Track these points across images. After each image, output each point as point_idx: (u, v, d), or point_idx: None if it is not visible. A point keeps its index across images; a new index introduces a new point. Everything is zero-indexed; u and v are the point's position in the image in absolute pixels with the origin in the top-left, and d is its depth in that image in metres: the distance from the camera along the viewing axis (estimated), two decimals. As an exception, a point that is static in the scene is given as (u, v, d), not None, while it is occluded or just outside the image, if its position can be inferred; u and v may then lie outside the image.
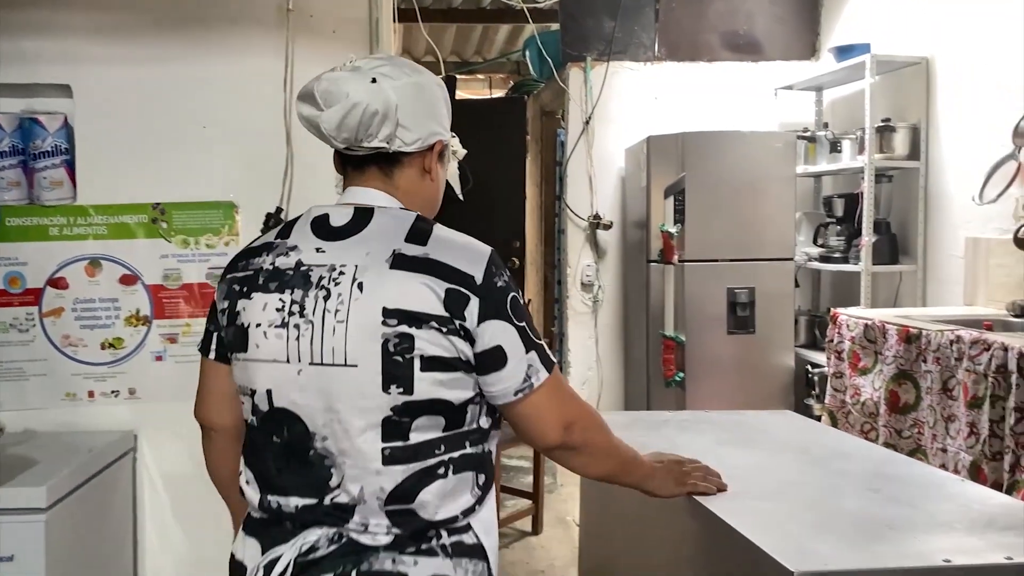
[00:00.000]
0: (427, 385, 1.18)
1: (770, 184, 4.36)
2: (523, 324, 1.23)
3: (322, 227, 1.28)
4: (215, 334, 1.34)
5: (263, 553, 1.23)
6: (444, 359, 1.18)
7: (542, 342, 1.25)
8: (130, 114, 2.38)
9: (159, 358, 2.49)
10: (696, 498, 1.47)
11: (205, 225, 2.45)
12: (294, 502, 1.22)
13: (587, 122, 5.05)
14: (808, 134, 4.72)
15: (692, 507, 1.47)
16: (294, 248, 1.27)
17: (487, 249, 1.27)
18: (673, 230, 4.31)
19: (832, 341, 3.59)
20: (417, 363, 1.17)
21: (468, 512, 1.24)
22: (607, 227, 5.03)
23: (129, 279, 2.48)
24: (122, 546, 2.47)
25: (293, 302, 1.23)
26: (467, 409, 1.22)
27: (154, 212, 2.45)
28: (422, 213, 1.31)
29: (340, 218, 1.27)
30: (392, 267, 1.20)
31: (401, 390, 1.17)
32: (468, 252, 1.24)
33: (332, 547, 1.19)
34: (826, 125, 4.85)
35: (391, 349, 1.17)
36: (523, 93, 6.08)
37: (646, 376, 4.50)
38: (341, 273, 1.21)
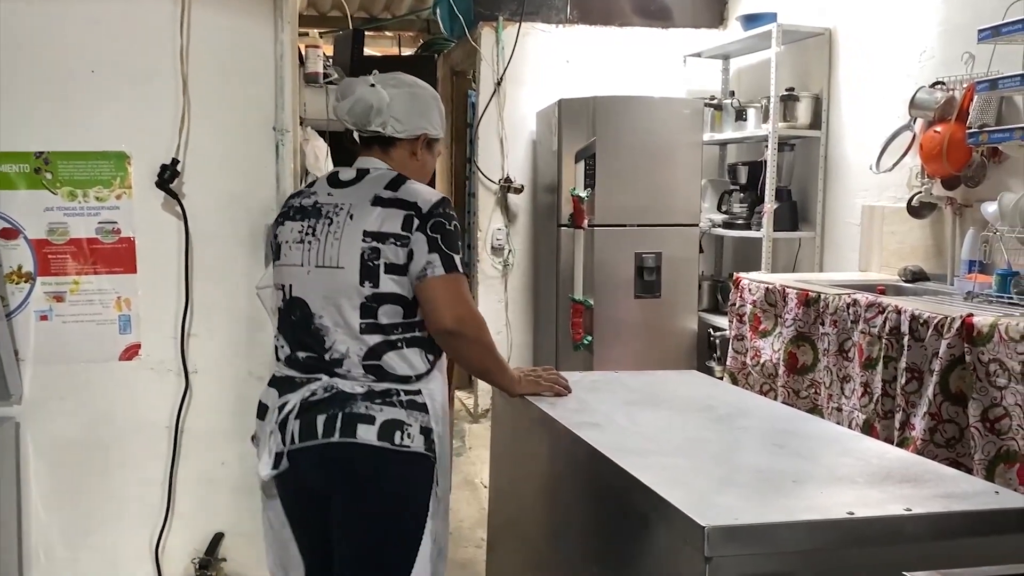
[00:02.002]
0: (388, 282, 1.75)
1: (678, 151, 4.41)
2: (435, 236, 1.74)
3: (334, 180, 1.89)
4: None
5: (279, 398, 1.80)
6: (398, 265, 1.75)
7: (450, 253, 1.75)
8: (10, 55, 2.19)
9: (44, 317, 2.33)
10: (606, 454, 1.47)
11: (94, 177, 2.29)
12: (304, 355, 1.80)
13: (498, 83, 4.99)
14: (715, 102, 4.79)
15: (603, 465, 1.47)
16: (313, 194, 1.89)
17: (439, 194, 1.82)
18: (583, 195, 4.31)
19: (734, 305, 3.67)
20: (382, 267, 1.74)
21: (420, 376, 1.79)
22: (518, 191, 5.01)
23: (9, 233, 2.30)
24: (6, 517, 2.32)
25: (308, 227, 1.83)
26: (418, 303, 1.77)
27: (37, 161, 2.27)
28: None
29: (347, 175, 1.88)
30: (372, 204, 1.78)
31: (371, 284, 1.75)
32: (424, 195, 1.80)
33: (326, 395, 1.75)
34: (732, 93, 4.93)
35: (366, 257, 1.74)
36: (433, 52, 5.96)
37: (555, 339, 4.53)
38: (340, 208, 1.81)
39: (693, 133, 4.46)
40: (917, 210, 3.53)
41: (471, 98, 6.04)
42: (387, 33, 6.96)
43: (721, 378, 4.49)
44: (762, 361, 3.46)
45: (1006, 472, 2.31)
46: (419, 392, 1.78)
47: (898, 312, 2.74)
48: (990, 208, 2.95)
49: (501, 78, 4.98)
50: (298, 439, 1.75)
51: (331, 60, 3.94)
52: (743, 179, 4.59)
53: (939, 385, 2.52)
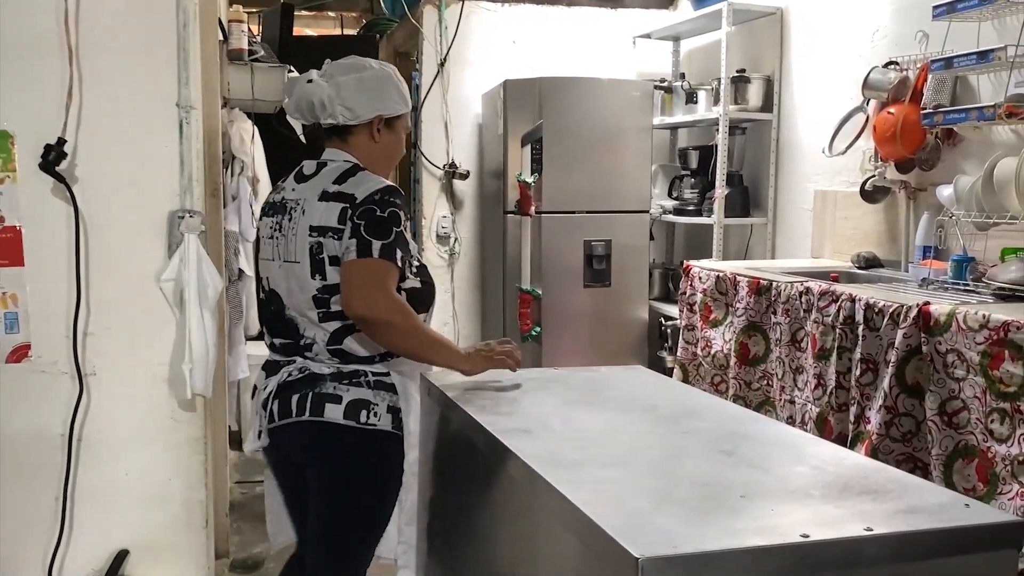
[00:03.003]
0: (334, 274, 1.83)
1: (627, 135, 4.26)
2: (360, 223, 1.78)
3: (299, 175, 1.97)
4: None
5: (264, 380, 1.94)
6: (338, 256, 1.82)
7: (368, 239, 1.77)
8: None
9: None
10: (534, 468, 1.30)
11: (-27, 158, 2.05)
12: (281, 341, 1.94)
13: (442, 64, 4.78)
14: (665, 84, 4.65)
15: (531, 480, 1.30)
16: (283, 189, 1.99)
17: (381, 184, 1.85)
18: (530, 180, 4.12)
19: (685, 294, 3.53)
20: (326, 260, 1.82)
21: (386, 356, 1.89)
22: (463, 176, 4.81)
23: None
24: None
25: (277, 223, 1.93)
26: None
27: (-93, 141, 2.03)
28: (379, 165, 1.94)
29: (309, 169, 1.95)
30: (319, 199, 1.85)
31: (320, 277, 1.84)
32: (366, 186, 1.84)
33: (300, 376, 1.87)
34: (683, 76, 4.78)
35: (313, 251, 1.83)
36: (375, 32, 5.73)
37: (503, 330, 4.35)
38: (297, 203, 1.89)
39: (643, 116, 4.31)
40: (870, 194, 3.42)
41: (415, 80, 5.82)
42: (329, 13, 6.70)
43: (672, 369, 4.38)
44: (713, 352, 3.32)
45: (964, 468, 2.20)
46: (387, 373, 1.87)
47: (852, 301, 2.61)
48: (945, 192, 2.85)
49: (444, 59, 4.77)
50: (277, 417, 1.88)
51: (259, 37, 3.71)
52: (694, 164, 4.46)
53: (895, 377, 2.40)
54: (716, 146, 4.13)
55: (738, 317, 3.16)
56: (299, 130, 3.94)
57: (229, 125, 3.42)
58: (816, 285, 2.80)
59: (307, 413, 1.83)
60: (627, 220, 4.28)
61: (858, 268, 3.43)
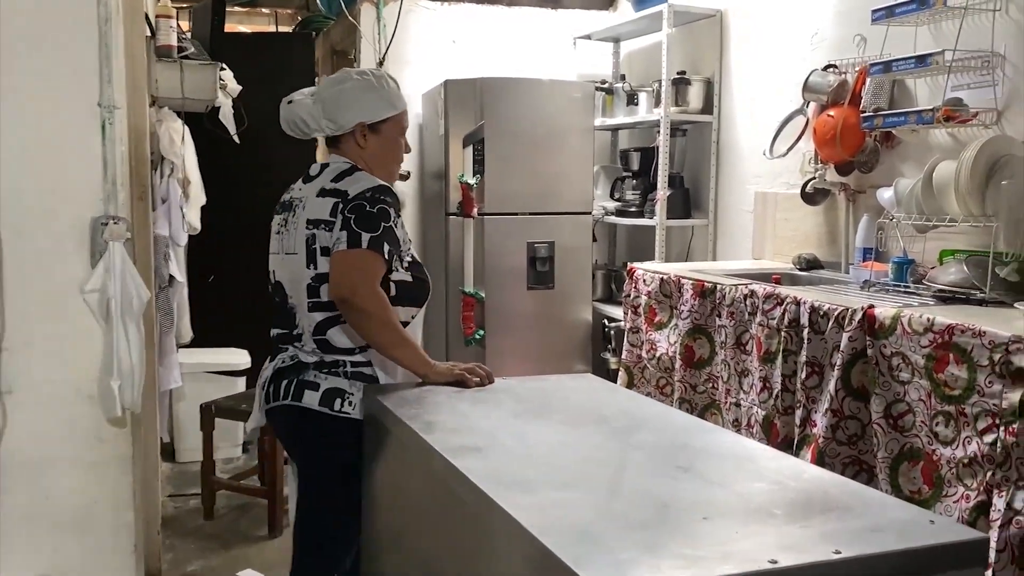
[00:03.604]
0: (325, 264, 1.93)
1: (569, 136, 4.22)
2: (351, 216, 1.88)
3: (306, 176, 2.10)
4: None
5: (267, 365, 2.08)
6: (328, 248, 1.92)
7: (358, 231, 1.87)
8: None
9: None
10: (486, 491, 1.24)
11: None
12: (279, 331, 2.06)
13: (381, 64, 4.68)
14: (606, 86, 4.63)
15: (482, 503, 1.23)
16: (292, 189, 2.12)
17: (374, 183, 1.96)
18: (472, 181, 4.07)
19: (629, 296, 3.51)
20: (318, 251, 1.93)
21: (366, 348, 1.96)
22: (404, 177, 4.71)
23: None
24: None
25: (284, 220, 2.07)
26: None
27: None
28: (372, 169, 2.02)
29: (314, 171, 2.08)
30: (317, 195, 1.96)
31: (314, 267, 1.95)
32: (359, 183, 1.94)
33: (291, 363, 1.99)
34: (623, 77, 4.77)
35: (309, 243, 1.95)
36: (311, 30, 5.58)
37: (445, 334, 4.28)
38: (300, 201, 2.03)
39: (585, 117, 4.29)
40: (811, 196, 3.45)
41: (353, 79, 5.69)
42: (263, 10, 6.51)
43: (616, 371, 4.36)
44: (658, 354, 3.30)
45: (910, 471, 2.21)
46: (368, 363, 1.96)
47: (797, 304, 2.61)
48: (886, 194, 2.87)
49: (383, 58, 4.67)
50: (271, 399, 2.01)
51: (189, 34, 3.56)
52: (635, 165, 4.44)
53: (841, 380, 2.40)
54: (657, 148, 4.12)
55: (683, 320, 3.15)
56: (232, 129, 3.84)
57: (158, 125, 3.27)
58: (761, 288, 2.80)
59: (290, 398, 1.95)
60: (570, 222, 4.25)
61: (799, 270, 3.45)
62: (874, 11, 2.90)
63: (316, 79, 5.32)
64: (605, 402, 1.90)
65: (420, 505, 1.60)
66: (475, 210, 4.10)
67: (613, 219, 4.53)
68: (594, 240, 4.44)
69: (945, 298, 2.53)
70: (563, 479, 1.32)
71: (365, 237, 1.87)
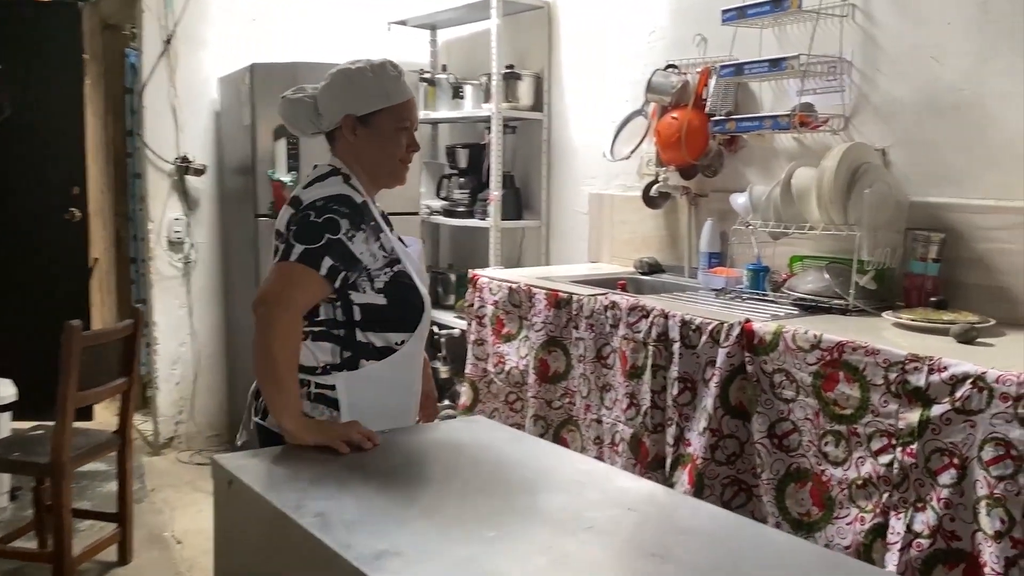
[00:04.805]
0: None
1: (393, 129, 3.89)
2: (292, 228, 1.73)
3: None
4: None
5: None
6: None
7: (293, 243, 1.69)
8: None
9: None
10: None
11: None
12: None
13: (168, 42, 4.09)
14: (428, 76, 4.34)
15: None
16: None
17: (329, 192, 1.77)
18: (287, 179, 3.64)
19: (472, 306, 3.26)
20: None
21: (333, 368, 1.77)
22: (199, 172, 4.17)
23: None
24: None
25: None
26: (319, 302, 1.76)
27: None
28: (368, 166, 1.85)
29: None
30: (287, 204, 1.82)
31: None
32: (315, 192, 1.77)
33: None
34: (445, 68, 4.50)
35: (274, 255, 1.78)
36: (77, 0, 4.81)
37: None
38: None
39: (408, 110, 3.96)
40: (652, 199, 3.37)
41: (130, 58, 4.99)
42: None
43: (449, 380, 4.11)
44: (507, 368, 3.08)
45: (797, 492, 2.14)
46: (333, 387, 1.77)
47: (665, 316, 2.49)
48: (739, 199, 2.82)
49: (171, 35, 4.09)
50: (253, 415, 1.87)
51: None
52: (463, 163, 4.20)
53: (719, 398, 2.30)
54: (488, 145, 3.90)
55: (535, 331, 2.95)
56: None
57: None
58: (623, 300, 2.65)
59: (259, 415, 1.83)
60: (398, 222, 3.88)
61: (641, 274, 3.37)
62: (724, 12, 2.84)
63: (84, 57, 4.60)
64: (508, 453, 1.63)
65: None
66: (290, 211, 3.68)
67: (439, 219, 4.27)
68: (423, 242, 4.15)
69: (806, 306, 2.50)
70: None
71: (297, 249, 1.69)
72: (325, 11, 4.44)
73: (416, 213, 3.99)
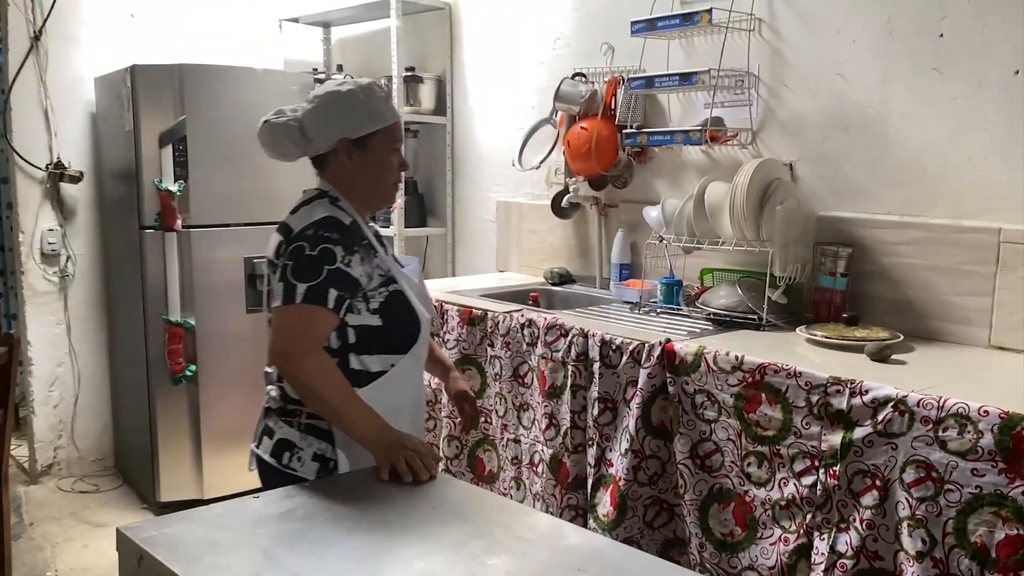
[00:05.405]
0: None
1: (289, 134, 3.70)
2: (288, 263, 1.68)
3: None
4: None
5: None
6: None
7: (294, 282, 1.65)
8: None
9: None
10: None
11: None
12: (269, 368, 1.81)
13: (37, 38, 3.77)
14: (322, 77, 4.16)
15: None
16: None
17: (317, 217, 1.73)
18: (174, 188, 3.41)
19: (380, 322, 3.14)
20: (266, 293, 1.82)
21: None
22: (75, 179, 3.87)
23: None
24: None
25: None
26: None
27: None
28: (363, 190, 1.83)
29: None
30: (275, 230, 1.79)
31: (268, 310, 1.78)
32: (304, 217, 1.74)
33: (267, 404, 1.83)
34: (340, 68, 4.34)
35: (264, 283, 1.84)
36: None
37: (146, 372, 3.57)
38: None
39: (304, 114, 3.79)
40: (562, 209, 3.33)
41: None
42: None
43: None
44: (418, 387, 2.98)
45: (720, 512, 2.14)
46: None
47: (585, 336, 2.45)
48: (652, 213, 2.82)
49: (40, 31, 3.77)
50: (254, 441, 1.85)
51: None
52: (362, 168, 4.04)
53: (641, 419, 2.28)
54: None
55: (448, 349, 2.86)
56: None
57: None
58: (540, 318, 2.60)
59: (255, 442, 1.83)
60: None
61: (552, 284, 3.33)
62: (634, 23, 2.81)
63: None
64: (455, 510, 1.54)
65: None
66: (179, 222, 3.46)
67: (338, 227, 4.10)
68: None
69: (721, 322, 2.52)
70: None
71: (301, 289, 1.65)
72: (211, 7, 4.19)
73: (315, 222, 3.81)
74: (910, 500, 1.75)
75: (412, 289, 1.83)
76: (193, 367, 3.51)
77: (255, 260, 3.60)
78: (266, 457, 1.77)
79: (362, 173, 1.80)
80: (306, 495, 1.52)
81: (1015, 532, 1.61)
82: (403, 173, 1.87)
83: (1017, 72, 2.15)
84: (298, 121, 1.79)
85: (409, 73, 3.79)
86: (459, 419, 2.20)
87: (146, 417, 3.58)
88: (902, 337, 2.22)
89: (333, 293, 1.67)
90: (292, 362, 1.65)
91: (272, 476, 1.75)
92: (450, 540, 1.34)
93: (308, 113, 1.79)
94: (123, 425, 4.00)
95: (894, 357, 2.09)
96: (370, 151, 1.79)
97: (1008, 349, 2.20)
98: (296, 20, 4.37)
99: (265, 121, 1.83)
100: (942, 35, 2.28)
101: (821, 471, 1.91)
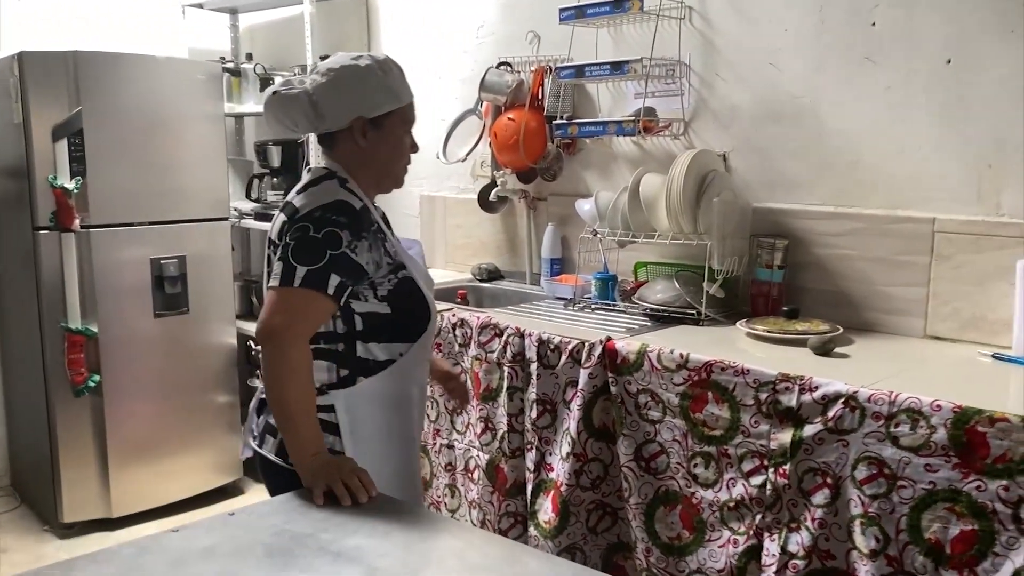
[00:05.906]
0: None
1: (195, 126, 3.48)
2: (290, 243, 1.59)
3: None
4: None
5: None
6: None
7: (293, 264, 1.56)
8: None
9: None
10: None
11: None
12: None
13: (-92, 21, 3.43)
14: (230, 66, 3.94)
15: None
16: None
17: (327, 199, 1.63)
18: (71, 186, 3.15)
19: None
20: (265, 273, 1.71)
21: (328, 387, 1.65)
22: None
23: None
24: None
25: None
26: None
27: None
28: (375, 171, 1.72)
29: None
30: (279, 210, 1.72)
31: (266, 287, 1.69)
32: (312, 199, 1.65)
33: (262, 396, 1.71)
34: (250, 56, 4.11)
35: (266, 265, 1.72)
36: None
37: (43, 385, 3.30)
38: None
39: (212, 104, 3.56)
40: (489, 203, 3.22)
41: None
42: None
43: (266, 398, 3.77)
44: (343, 393, 2.83)
45: (667, 515, 2.08)
46: (330, 408, 1.64)
47: (521, 335, 2.35)
48: (585, 206, 2.74)
49: (-90, 13, 3.44)
50: (252, 434, 1.76)
51: None
52: (276, 162, 3.85)
53: (582, 420, 2.20)
54: (307, 142, 3.59)
55: (375, 353, 2.72)
56: None
57: None
58: (473, 317, 2.49)
59: (257, 441, 1.72)
60: (203, 230, 3.52)
61: (480, 281, 3.23)
62: (562, 10, 2.72)
63: None
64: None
65: None
66: (76, 222, 3.20)
67: (252, 223, 3.89)
68: (233, 249, 3.77)
69: (658, 317, 2.46)
70: None
71: (300, 272, 1.56)
72: (106, -11, 3.91)
73: (225, 218, 3.60)
74: (862, 498, 1.72)
75: (417, 273, 1.74)
76: (97, 377, 3.26)
77: (162, 261, 3.37)
78: (272, 457, 1.66)
79: (375, 154, 1.69)
80: (231, 528, 1.37)
81: (970, 527, 1.59)
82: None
83: (949, 61, 2.15)
84: (309, 95, 1.66)
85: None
86: (449, 399, 2.26)
87: (45, 432, 3.32)
88: (841, 330, 2.19)
89: (335, 279, 1.58)
90: (275, 343, 1.54)
91: (279, 476, 1.64)
92: (395, 572, 1.22)
93: (322, 87, 1.65)
94: (20, 441, 3.70)
95: (836, 350, 2.06)
96: (385, 131, 1.69)
97: (942, 339, 2.20)
98: (200, 6, 4.12)
99: (275, 92, 1.69)
100: (874, 24, 2.26)
101: (770, 470, 1.87)
